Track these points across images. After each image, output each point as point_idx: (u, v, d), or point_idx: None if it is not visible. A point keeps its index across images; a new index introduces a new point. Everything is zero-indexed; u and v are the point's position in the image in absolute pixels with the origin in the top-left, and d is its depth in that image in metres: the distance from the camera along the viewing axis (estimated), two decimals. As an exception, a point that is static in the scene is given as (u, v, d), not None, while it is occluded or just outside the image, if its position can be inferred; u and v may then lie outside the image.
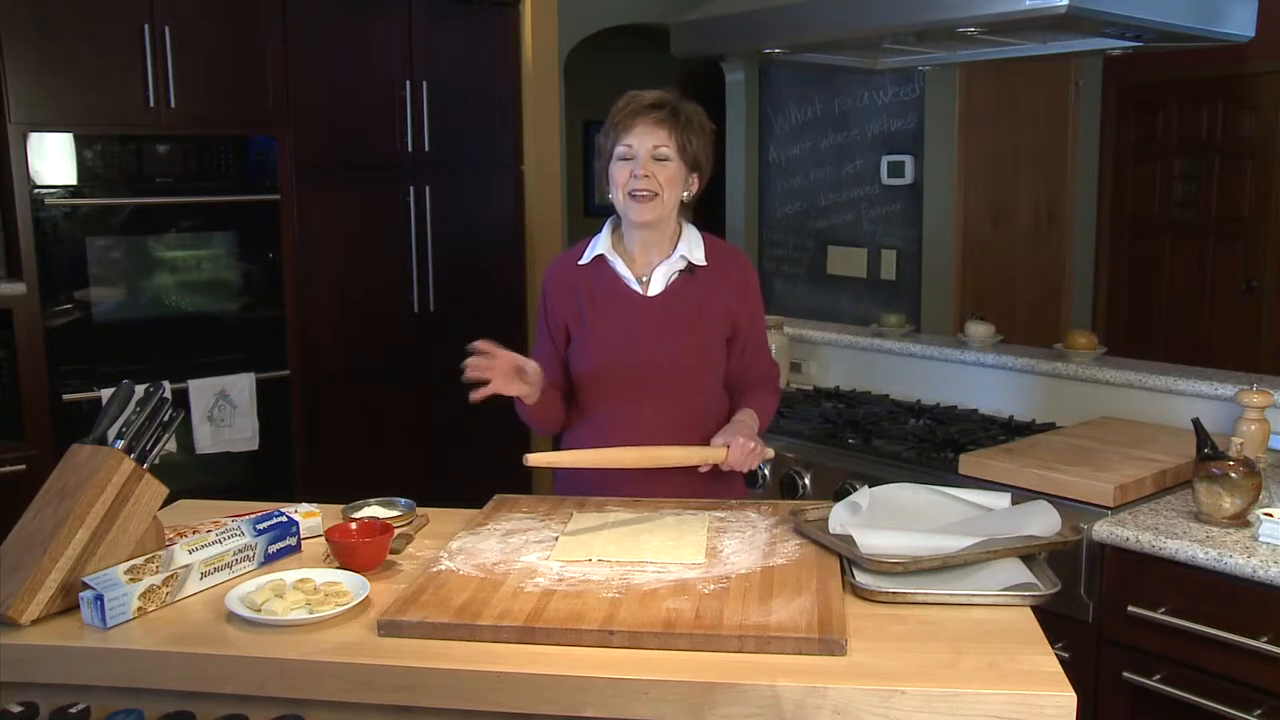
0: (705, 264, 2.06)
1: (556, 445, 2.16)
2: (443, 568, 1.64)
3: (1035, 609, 1.53)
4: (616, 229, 2.09)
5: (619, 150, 1.97)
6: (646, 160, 1.95)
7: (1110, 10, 2.24)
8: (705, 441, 2.01)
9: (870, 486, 1.86)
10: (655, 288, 2.05)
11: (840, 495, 1.98)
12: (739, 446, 1.96)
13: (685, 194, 2.03)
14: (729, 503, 1.96)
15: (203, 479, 3.50)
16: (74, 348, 3.39)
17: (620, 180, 1.97)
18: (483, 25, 4.13)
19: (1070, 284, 5.16)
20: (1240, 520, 2.02)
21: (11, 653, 1.45)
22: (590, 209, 6.69)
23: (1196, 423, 2.15)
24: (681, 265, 2.06)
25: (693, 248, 2.06)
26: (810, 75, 5.15)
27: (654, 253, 2.06)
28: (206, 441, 3.59)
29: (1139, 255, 5.89)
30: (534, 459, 1.83)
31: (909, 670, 1.34)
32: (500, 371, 1.89)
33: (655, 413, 2.03)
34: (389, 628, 1.45)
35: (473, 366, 1.88)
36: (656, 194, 1.96)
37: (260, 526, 1.73)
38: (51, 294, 3.35)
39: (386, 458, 3.99)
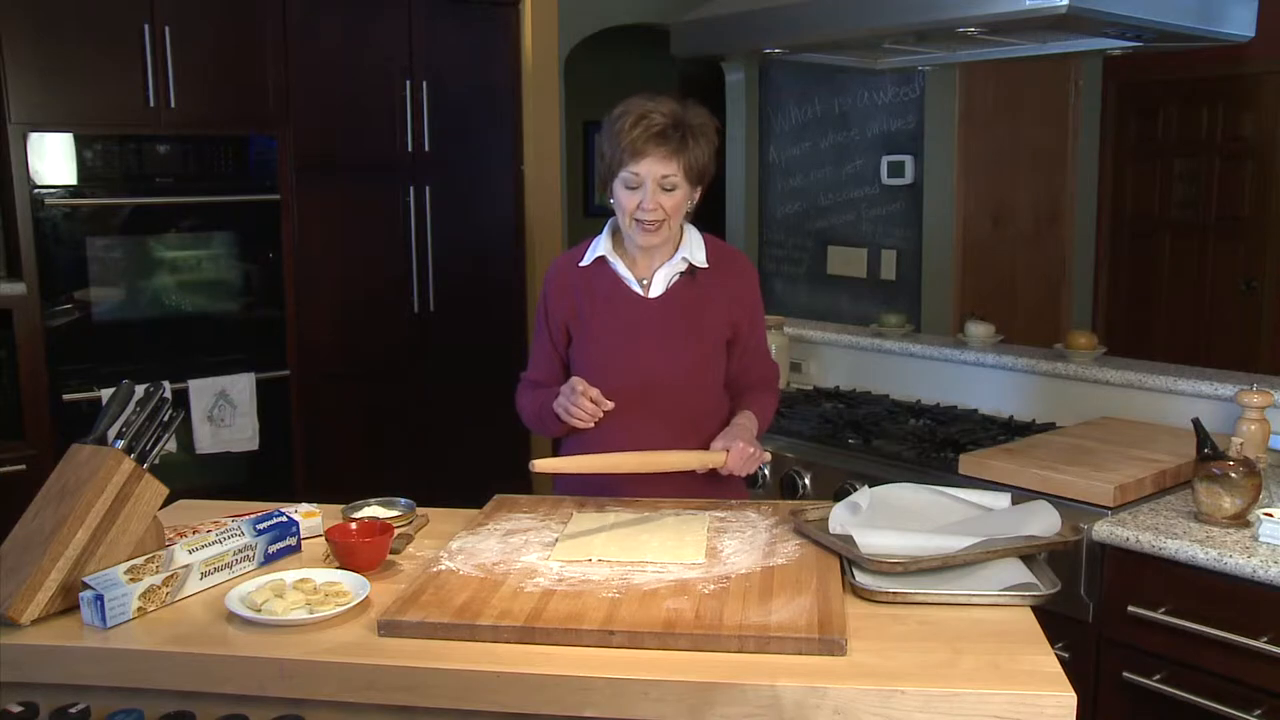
0: (706, 266, 2.06)
1: (555, 445, 2.16)
2: (443, 568, 1.64)
3: (1035, 609, 1.53)
4: (617, 231, 2.09)
5: (625, 177, 1.95)
6: (655, 191, 1.94)
7: (1110, 10, 2.24)
8: (705, 444, 2.01)
9: (870, 486, 1.86)
10: (656, 289, 2.05)
11: (840, 495, 1.98)
12: (738, 452, 1.96)
13: (689, 204, 2.03)
14: (729, 503, 1.96)
15: (203, 479, 3.50)
16: (74, 348, 3.39)
17: (628, 207, 1.96)
18: (483, 25, 4.13)
19: (1070, 284, 5.17)
20: (1240, 520, 2.02)
21: (11, 653, 1.45)
22: (590, 209, 6.69)
23: (1196, 423, 2.15)
24: (682, 267, 2.05)
25: (694, 249, 2.06)
26: (810, 75, 5.15)
27: (655, 255, 2.06)
28: (206, 441, 3.59)
29: (1139, 255, 5.89)
30: (540, 465, 1.84)
31: (909, 670, 1.34)
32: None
33: (655, 414, 2.02)
34: (389, 628, 1.45)
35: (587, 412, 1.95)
36: (664, 220, 1.96)
37: (260, 526, 1.73)
38: (51, 294, 3.35)
39: (386, 458, 3.99)
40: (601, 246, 2.07)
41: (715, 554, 1.68)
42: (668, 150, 1.92)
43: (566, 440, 2.13)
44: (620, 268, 2.06)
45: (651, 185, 1.94)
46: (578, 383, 1.96)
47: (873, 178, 4.97)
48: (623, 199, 1.97)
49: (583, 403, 1.94)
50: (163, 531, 1.67)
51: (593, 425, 1.96)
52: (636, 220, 1.96)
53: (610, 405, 1.95)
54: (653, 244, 2.00)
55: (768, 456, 2.04)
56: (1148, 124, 5.84)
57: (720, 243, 2.13)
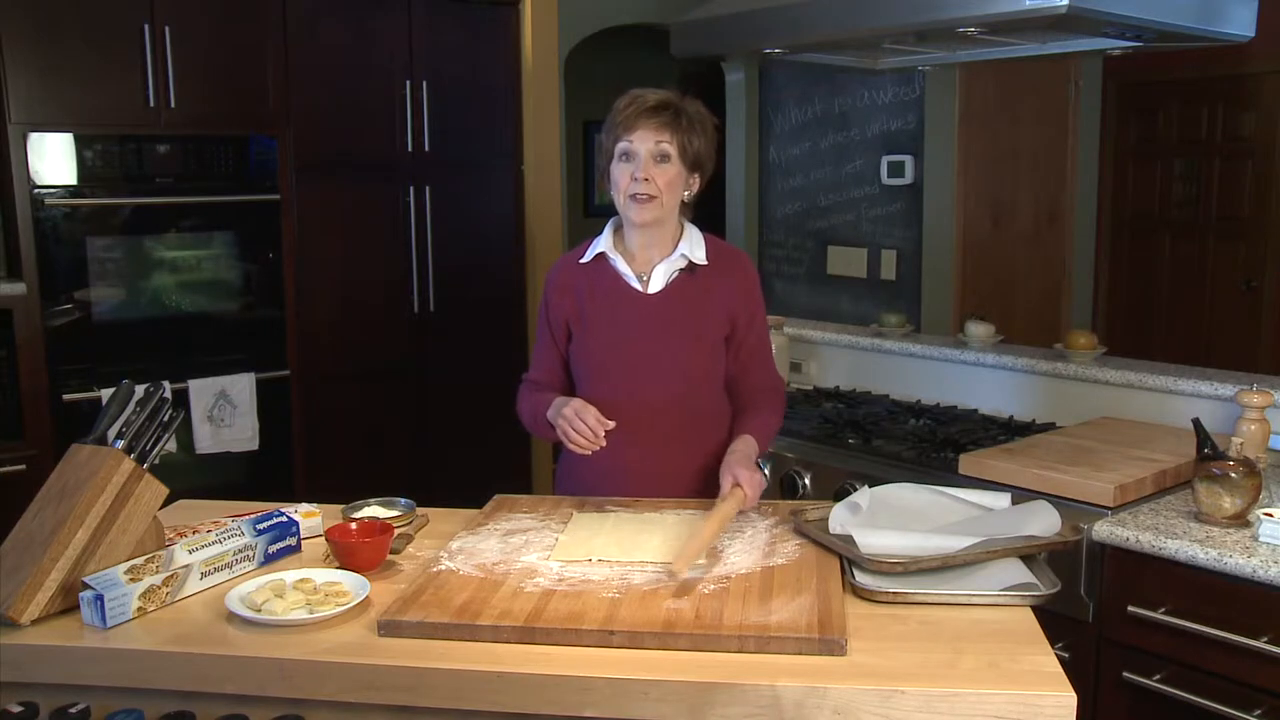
0: (706, 264, 2.06)
1: (556, 449, 2.16)
2: (443, 568, 1.64)
3: (1035, 609, 1.53)
4: (618, 229, 2.10)
5: (620, 148, 1.98)
6: (647, 162, 1.96)
7: (1110, 10, 2.24)
8: (703, 441, 2.03)
9: (870, 486, 1.86)
10: (655, 285, 2.06)
11: (840, 495, 1.98)
12: (747, 480, 1.87)
13: (686, 193, 2.04)
14: (729, 503, 1.95)
15: (203, 479, 3.50)
16: (74, 348, 3.39)
17: (621, 182, 1.98)
18: (483, 25, 4.13)
19: (1070, 284, 5.16)
20: (1240, 520, 2.02)
21: (11, 653, 1.45)
22: (590, 209, 6.69)
23: (1196, 423, 2.15)
24: (682, 264, 2.06)
25: (694, 247, 2.06)
26: (810, 75, 5.15)
27: (655, 251, 2.06)
28: (206, 441, 3.59)
29: (1139, 255, 5.89)
30: (680, 567, 1.58)
31: (909, 670, 1.34)
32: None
33: (654, 409, 2.03)
34: (389, 628, 1.45)
35: (587, 439, 1.92)
36: (656, 196, 1.96)
37: (260, 526, 1.73)
38: (51, 294, 3.35)
39: (386, 458, 3.99)
40: (602, 243, 2.08)
41: (715, 554, 1.68)
42: (660, 122, 1.96)
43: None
44: (620, 264, 2.06)
45: (645, 156, 1.96)
46: (578, 405, 1.94)
47: (873, 178, 4.97)
48: (618, 176, 1.99)
49: (581, 427, 1.91)
50: (163, 531, 1.67)
51: (589, 454, 1.93)
52: (630, 197, 1.97)
53: (611, 425, 1.93)
54: (646, 220, 1.99)
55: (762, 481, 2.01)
56: (1148, 124, 5.84)
57: (721, 242, 2.14)
